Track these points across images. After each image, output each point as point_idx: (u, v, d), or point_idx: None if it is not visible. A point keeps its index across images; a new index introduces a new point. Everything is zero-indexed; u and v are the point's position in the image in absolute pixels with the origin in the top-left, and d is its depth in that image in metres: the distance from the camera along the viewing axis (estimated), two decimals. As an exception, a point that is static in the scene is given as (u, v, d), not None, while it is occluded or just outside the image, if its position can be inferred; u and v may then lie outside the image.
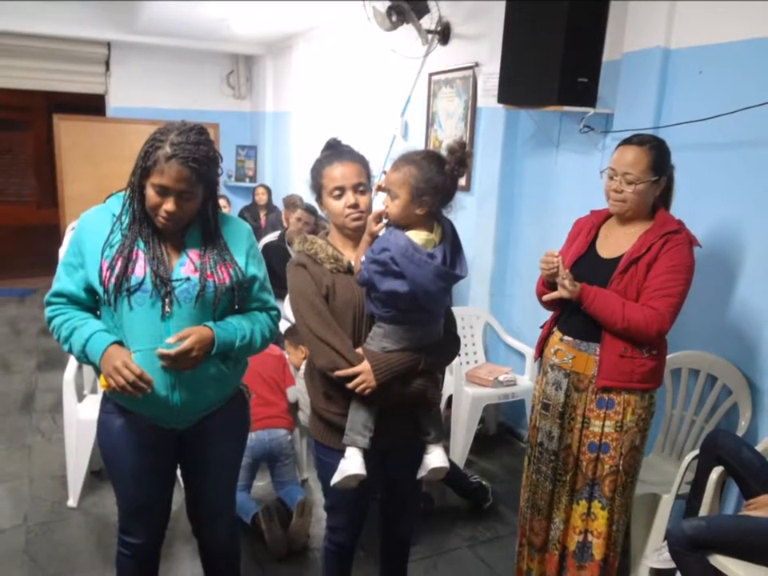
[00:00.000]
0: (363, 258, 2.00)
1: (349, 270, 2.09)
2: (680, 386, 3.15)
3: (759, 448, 2.56)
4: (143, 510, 2.19)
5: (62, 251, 3.30)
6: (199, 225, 2.03)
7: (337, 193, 2.09)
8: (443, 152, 1.98)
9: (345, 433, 2.07)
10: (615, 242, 2.52)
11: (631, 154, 2.41)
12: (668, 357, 2.61)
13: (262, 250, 3.00)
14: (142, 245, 1.96)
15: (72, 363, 3.34)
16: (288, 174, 7.80)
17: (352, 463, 2.03)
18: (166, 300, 1.94)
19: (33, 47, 7.55)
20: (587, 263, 2.55)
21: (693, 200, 2.93)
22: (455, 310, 2.48)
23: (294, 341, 3.69)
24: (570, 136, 3.82)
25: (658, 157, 2.41)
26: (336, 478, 2.05)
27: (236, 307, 2.10)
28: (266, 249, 4.87)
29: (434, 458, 2.14)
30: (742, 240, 2.89)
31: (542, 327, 2.75)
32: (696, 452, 2.65)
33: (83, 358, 1.96)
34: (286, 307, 3.69)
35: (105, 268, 1.92)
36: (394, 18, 4.69)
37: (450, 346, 2.23)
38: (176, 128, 1.89)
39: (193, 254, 2.01)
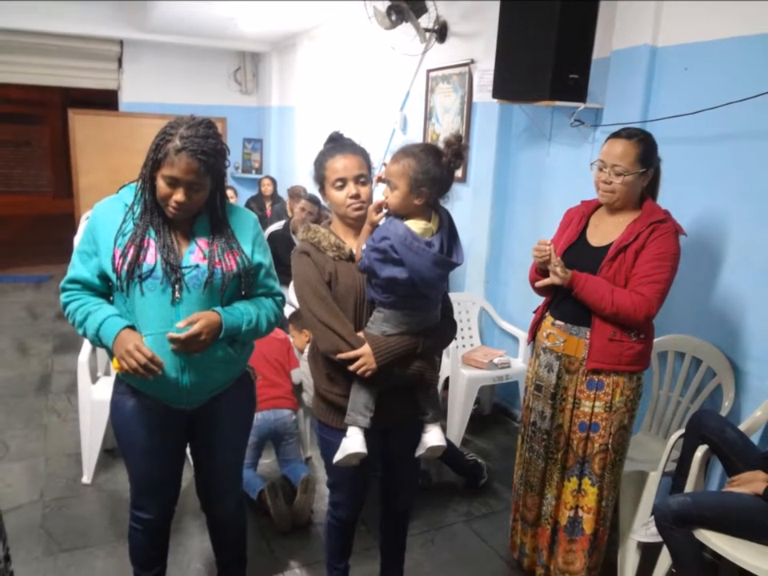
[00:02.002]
0: (364, 246, 1.99)
1: (350, 258, 2.08)
2: (666, 369, 3.15)
3: (742, 427, 2.56)
4: (154, 486, 2.20)
5: (77, 240, 3.29)
6: (208, 214, 2.02)
7: (339, 184, 2.08)
8: (440, 145, 1.97)
9: (346, 413, 2.07)
10: (605, 231, 2.51)
11: (620, 146, 2.39)
12: (655, 340, 2.61)
13: (268, 239, 2.98)
14: (153, 233, 1.95)
15: (86, 346, 3.33)
16: (292, 166, 7.79)
17: (353, 442, 2.03)
18: (176, 286, 1.94)
19: (49, 45, 7.53)
20: (578, 251, 2.54)
21: (679, 191, 2.92)
22: (452, 295, 2.48)
23: (298, 325, 3.69)
24: (562, 130, 3.80)
25: (645, 149, 2.39)
26: (338, 456, 2.05)
27: (243, 293, 2.10)
28: (271, 237, 4.86)
29: (432, 437, 2.14)
30: (725, 229, 2.88)
31: (534, 312, 2.75)
32: (682, 431, 2.64)
33: (97, 342, 1.96)
34: (290, 293, 3.69)
35: (118, 255, 1.92)
36: (393, 17, 4.67)
37: (447, 330, 2.22)
38: (185, 122, 1.88)
39: (202, 242, 2.00)
